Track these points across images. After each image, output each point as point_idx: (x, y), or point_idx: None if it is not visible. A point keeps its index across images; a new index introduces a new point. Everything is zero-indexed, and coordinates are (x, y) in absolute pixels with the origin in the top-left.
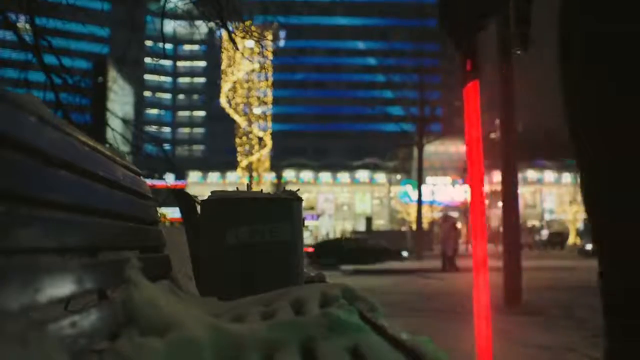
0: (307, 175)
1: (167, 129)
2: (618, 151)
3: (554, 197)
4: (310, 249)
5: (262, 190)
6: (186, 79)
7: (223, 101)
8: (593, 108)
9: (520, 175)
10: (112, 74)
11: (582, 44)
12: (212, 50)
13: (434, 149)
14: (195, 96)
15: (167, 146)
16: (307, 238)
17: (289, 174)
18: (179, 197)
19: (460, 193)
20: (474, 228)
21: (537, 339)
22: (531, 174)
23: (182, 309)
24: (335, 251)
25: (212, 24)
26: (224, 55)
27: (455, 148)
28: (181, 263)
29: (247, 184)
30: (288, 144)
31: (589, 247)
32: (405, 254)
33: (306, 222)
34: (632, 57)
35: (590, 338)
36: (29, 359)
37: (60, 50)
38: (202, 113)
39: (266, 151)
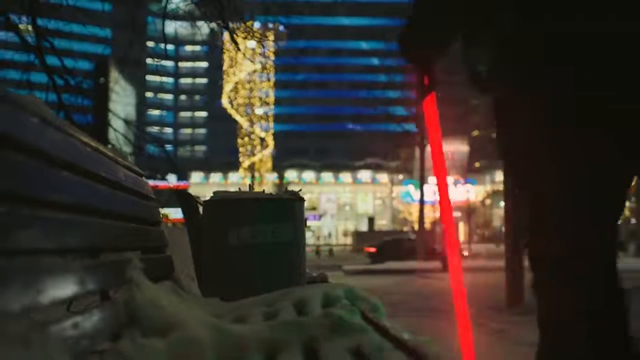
0: (309, 175)
1: (169, 130)
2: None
3: None
4: (373, 249)
5: (264, 190)
6: (188, 80)
7: (225, 102)
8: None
9: None
10: (114, 74)
11: (538, 45)
12: (213, 50)
13: None
14: (197, 97)
15: (169, 147)
16: (309, 238)
17: (291, 175)
18: (181, 197)
19: (462, 193)
20: (445, 223)
21: (537, 339)
22: None
23: (184, 309)
24: (397, 250)
25: (213, 25)
26: (225, 56)
27: (457, 148)
28: (183, 264)
29: (249, 185)
30: (290, 144)
31: None
32: (465, 253)
33: (308, 223)
34: (593, 55)
35: None
36: None
37: (63, 51)
38: (204, 114)
39: (268, 152)
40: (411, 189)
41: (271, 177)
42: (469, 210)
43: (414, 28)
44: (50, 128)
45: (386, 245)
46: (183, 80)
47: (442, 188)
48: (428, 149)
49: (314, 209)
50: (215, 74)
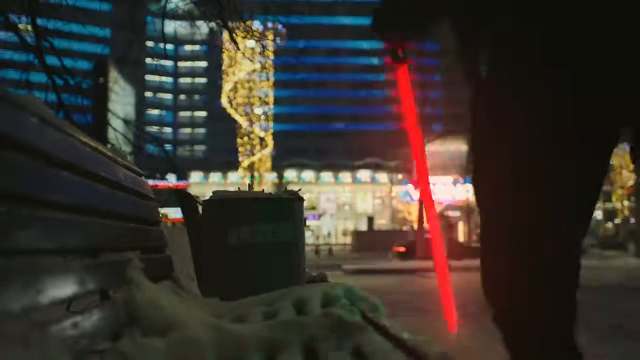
0: (308, 175)
1: (168, 130)
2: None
3: None
4: (402, 248)
5: (263, 190)
6: (187, 79)
7: (224, 101)
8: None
9: None
10: (113, 74)
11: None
12: (213, 50)
13: (435, 148)
14: (197, 96)
15: (168, 146)
16: (309, 238)
17: (290, 174)
18: (181, 197)
19: (462, 192)
20: (426, 203)
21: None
22: None
23: (184, 309)
24: (426, 249)
25: (213, 24)
26: (225, 55)
27: (456, 147)
28: (183, 263)
29: (249, 184)
30: (289, 143)
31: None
32: None
33: (308, 222)
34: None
35: (597, 338)
36: None
37: (62, 51)
38: (203, 113)
39: (267, 151)
40: (410, 188)
41: (270, 177)
42: (469, 210)
43: (388, 11)
44: (49, 128)
45: (415, 245)
46: (182, 80)
47: (417, 150)
48: (428, 148)
49: (313, 208)
50: (215, 73)
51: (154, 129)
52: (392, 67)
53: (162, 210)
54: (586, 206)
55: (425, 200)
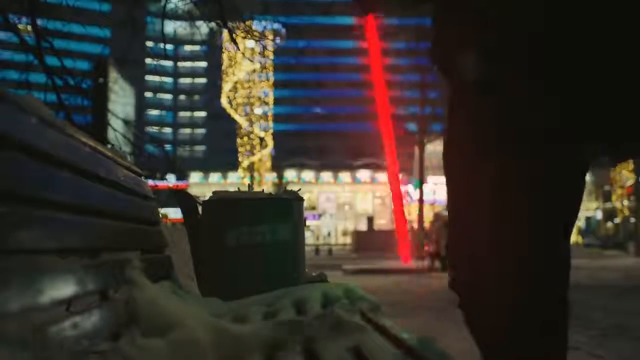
0: (308, 175)
1: (168, 130)
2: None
3: None
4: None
5: (263, 190)
6: (187, 80)
7: (224, 101)
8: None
9: None
10: (113, 74)
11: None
12: (212, 50)
13: (435, 148)
14: (197, 97)
15: (168, 147)
16: (309, 238)
17: (290, 174)
18: (181, 197)
19: None
20: (391, 181)
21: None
22: None
23: (184, 309)
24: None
25: (213, 24)
26: (224, 56)
27: None
28: (182, 263)
29: (249, 185)
30: (289, 144)
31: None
32: None
33: (307, 222)
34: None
35: (598, 338)
36: None
37: (62, 51)
38: (203, 113)
39: (267, 151)
40: (410, 188)
41: (270, 177)
42: None
43: None
44: (49, 128)
45: None
46: (182, 80)
47: (382, 101)
48: (428, 147)
49: (313, 208)
50: (215, 73)
51: (154, 129)
52: (362, 17)
53: (162, 210)
54: (572, 212)
55: (390, 174)
